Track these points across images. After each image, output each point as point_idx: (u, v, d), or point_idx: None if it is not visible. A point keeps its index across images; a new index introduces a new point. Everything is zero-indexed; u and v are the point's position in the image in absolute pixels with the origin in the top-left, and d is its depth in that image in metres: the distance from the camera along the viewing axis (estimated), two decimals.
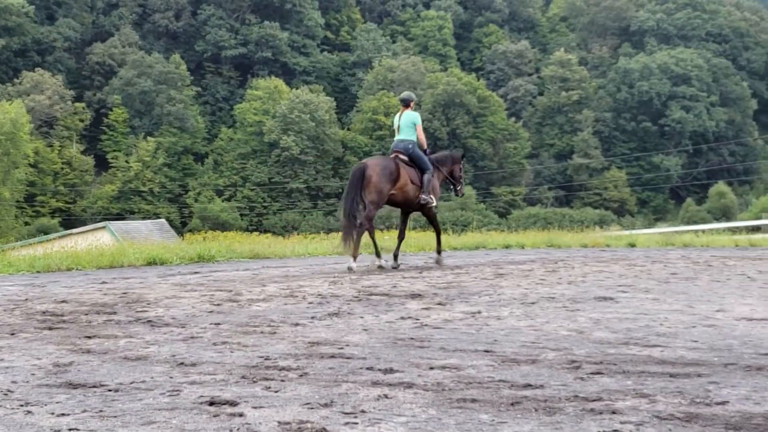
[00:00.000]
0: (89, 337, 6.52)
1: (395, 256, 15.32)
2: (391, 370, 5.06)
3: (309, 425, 3.75)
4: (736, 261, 16.54)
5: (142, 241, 25.16)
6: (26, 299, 9.54)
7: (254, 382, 4.74)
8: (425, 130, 21.44)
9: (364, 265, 14.66)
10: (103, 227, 48.06)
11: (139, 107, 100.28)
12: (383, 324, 7.35)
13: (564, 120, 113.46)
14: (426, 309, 8.42)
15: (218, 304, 8.79)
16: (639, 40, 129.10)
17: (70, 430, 3.73)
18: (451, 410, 4.05)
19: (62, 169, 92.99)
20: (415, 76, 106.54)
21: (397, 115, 15.48)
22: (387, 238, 23.88)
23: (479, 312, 8.18)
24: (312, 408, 4.09)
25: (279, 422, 3.82)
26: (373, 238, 14.92)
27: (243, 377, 4.87)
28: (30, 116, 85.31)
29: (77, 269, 15.01)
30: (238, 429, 3.71)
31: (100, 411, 4.06)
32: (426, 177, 14.90)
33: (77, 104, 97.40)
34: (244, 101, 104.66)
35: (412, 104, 15.49)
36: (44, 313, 8.17)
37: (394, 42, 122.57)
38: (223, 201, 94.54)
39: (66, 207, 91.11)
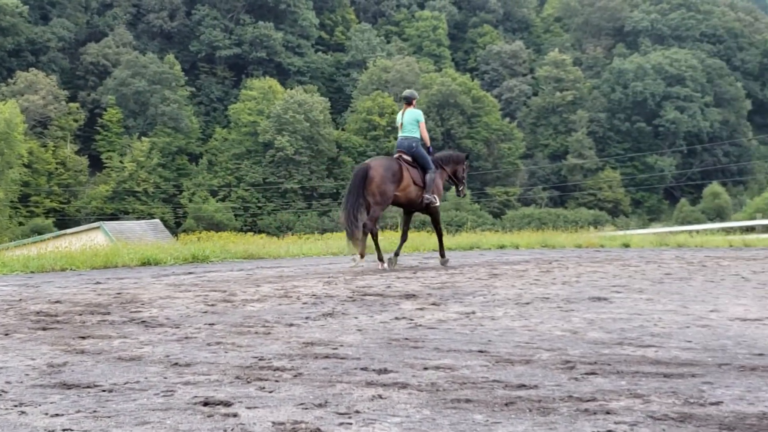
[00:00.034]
0: (83, 338, 6.51)
1: (396, 254, 15.37)
2: (385, 371, 5.05)
3: (303, 425, 3.74)
4: (730, 261, 16.56)
5: (136, 242, 25.14)
6: (20, 299, 9.53)
7: (248, 382, 4.73)
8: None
9: (360, 267, 14.63)
10: (98, 227, 47.98)
11: (133, 107, 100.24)
12: (377, 324, 7.35)
13: (558, 120, 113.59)
14: (420, 309, 8.42)
15: (212, 305, 8.78)
16: (633, 41, 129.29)
17: (64, 430, 3.73)
18: (445, 410, 4.05)
19: (56, 169, 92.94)
20: (409, 76, 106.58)
21: (400, 112, 15.51)
22: (381, 239, 23.81)
23: (473, 312, 8.18)
24: (306, 408, 4.08)
25: (273, 422, 3.81)
26: (375, 240, 14.85)
27: (237, 377, 4.87)
28: (24, 116, 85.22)
29: (71, 269, 15.00)
30: (232, 429, 3.71)
31: (94, 411, 4.05)
32: (428, 176, 14.90)
33: (71, 104, 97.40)
34: (238, 101, 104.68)
35: (414, 102, 15.51)
36: (38, 313, 8.15)
37: (388, 42, 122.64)
38: (217, 201, 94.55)
39: (60, 207, 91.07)
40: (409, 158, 14.93)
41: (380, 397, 4.34)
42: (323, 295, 9.81)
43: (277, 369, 5.13)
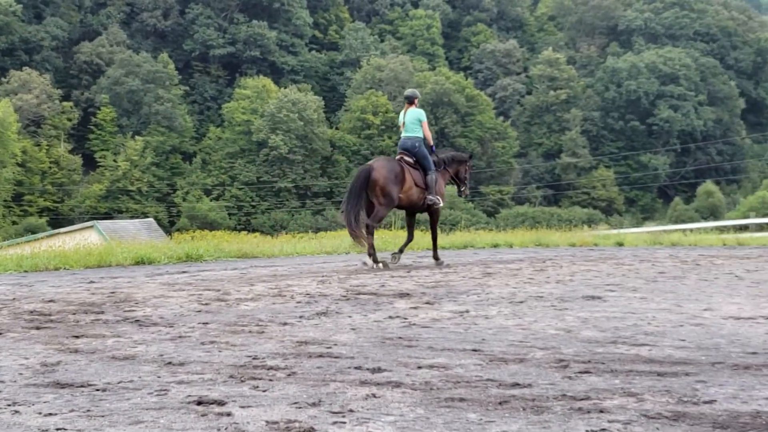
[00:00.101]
0: (77, 337, 6.50)
1: (400, 251, 15.50)
2: (379, 370, 5.05)
3: (297, 425, 3.74)
4: (724, 260, 16.58)
5: (130, 241, 25.09)
6: (14, 299, 9.51)
7: (242, 381, 4.73)
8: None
9: (374, 265, 14.59)
10: (91, 226, 47.90)
11: (126, 106, 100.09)
12: (371, 323, 7.35)
13: (552, 119, 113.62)
14: (414, 308, 8.42)
15: (206, 304, 8.78)
16: (627, 40, 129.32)
17: (57, 429, 3.72)
18: (439, 409, 4.05)
19: (50, 168, 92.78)
20: (403, 75, 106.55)
21: (402, 112, 15.48)
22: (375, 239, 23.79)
23: (467, 311, 8.19)
24: (300, 407, 4.08)
25: (267, 422, 3.81)
26: (371, 241, 14.79)
27: (231, 377, 4.87)
28: (17, 115, 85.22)
29: (65, 269, 14.97)
30: (225, 428, 3.71)
31: (88, 410, 4.05)
32: (429, 178, 14.87)
33: (65, 103, 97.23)
34: (232, 100, 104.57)
35: (416, 101, 15.49)
36: (32, 312, 8.14)
37: (382, 41, 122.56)
38: (211, 200, 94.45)
39: (54, 206, 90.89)
40: (410, 160, 14.92)
41: (374, 396, 4.34)
42: (317, 294, 9.81)
43: (270, 368, 5.13)
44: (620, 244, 26.15)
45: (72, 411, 4.05)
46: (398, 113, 15.55)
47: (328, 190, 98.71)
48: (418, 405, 4.13)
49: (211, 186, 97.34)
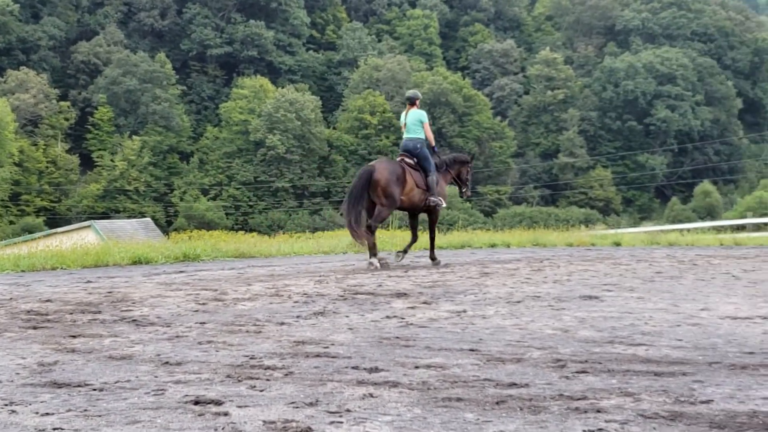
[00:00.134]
0: (74, 337, 6.50)
1: (404, 251, 15.56)
2: (376, 369, 5.05)
3: (294, 424, 3.74)
4: (721, 260, 16.59)
5: (127, 240, 25.08)
6: (11, 298, 9.51)
7: (239, 381, 4.73)
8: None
9: (379, 264, 14.60)
10: (88, 226, 47.86)
11: (124, 106, 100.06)
12: (368, 323, 7.35)
13: (549, 119, 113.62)
14: (411, 308, 8.42)
15: (203, 303, 8.78)
16: (624, 39, 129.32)
17: (54, 429, 3.72)
18: (436, 409, 4.05)
19: (47, 168, 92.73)
20: (400, 75, 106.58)
21: (404, 113, 15.47)
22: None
23: (464, 311, 8.18)
24: (297, 407, 4.08)
25: (264, 421, 3.81)
26: (373, 241, 14.81)
27: (228, 376, 4.86)
28: (15, 115, 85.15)
29: (62, 268, 14.97)
30: (223, 428, 3.71)
31: (85, 410, 4.05)
32: (430, 179, 14.88)
33: (62, 103, 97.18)
34: (229, 100, 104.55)
35: (418, 102, 15.49)
36: (29, 312, 8.14)
37: (379, 41, 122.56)
38: (208, 200, 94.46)
39: (51, 206, 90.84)
40: (411, 161, 14.92)
41: (371, 395, 4.34)
42: (314, 293, 9.81)
43: (268, 368, 5.12)
44: (617, 244, 26.17)
45: (69, 411, 4.05)
46: (396, 113, 15.57)
47: (326, 189, 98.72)
48: (415, 405, 4.13)
49: (208, 186, 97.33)
